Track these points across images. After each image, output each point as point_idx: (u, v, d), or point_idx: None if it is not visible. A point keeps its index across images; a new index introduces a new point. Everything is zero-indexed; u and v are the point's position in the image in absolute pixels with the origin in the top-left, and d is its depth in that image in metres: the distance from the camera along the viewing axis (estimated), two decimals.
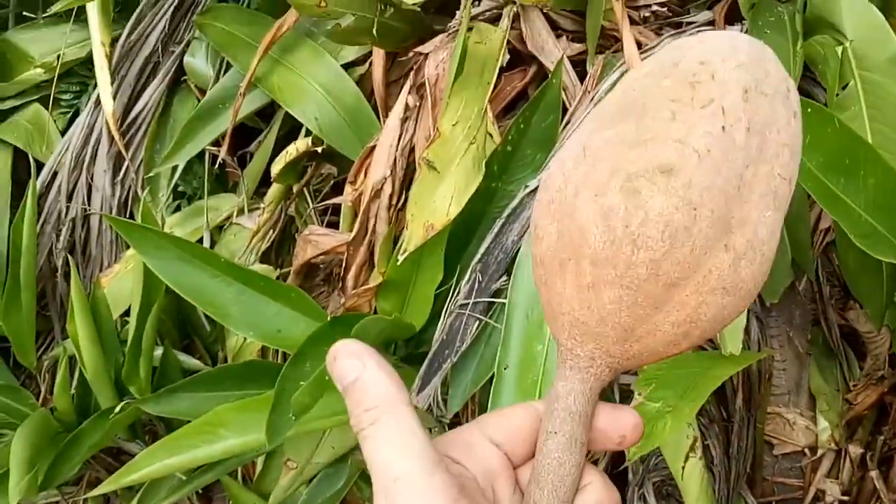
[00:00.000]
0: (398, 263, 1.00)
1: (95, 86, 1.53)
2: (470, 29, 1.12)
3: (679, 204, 0.37)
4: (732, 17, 1.17)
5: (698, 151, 0.38)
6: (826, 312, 1.28)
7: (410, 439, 0.39)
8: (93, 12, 1.46)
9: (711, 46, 0.41)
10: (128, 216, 1.58)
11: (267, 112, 1.47)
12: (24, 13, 1.66)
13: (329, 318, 1.11)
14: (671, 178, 0.37)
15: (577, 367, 0.41)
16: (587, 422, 0.42)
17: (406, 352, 1.21)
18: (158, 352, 1.40)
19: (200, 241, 1.51)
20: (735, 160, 0.38)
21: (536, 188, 1.09)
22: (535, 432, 0.43)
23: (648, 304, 0.39)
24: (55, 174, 1.59)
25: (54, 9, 1.27)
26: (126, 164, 1.53)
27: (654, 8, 1.18)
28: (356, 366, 0.40)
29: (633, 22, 1.17)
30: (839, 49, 1.00)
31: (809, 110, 0.92)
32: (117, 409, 1.30)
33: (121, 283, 1.48)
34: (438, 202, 0.99)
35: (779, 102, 0.40)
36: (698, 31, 1.16)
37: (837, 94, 1.01)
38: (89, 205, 1.57)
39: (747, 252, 0.39)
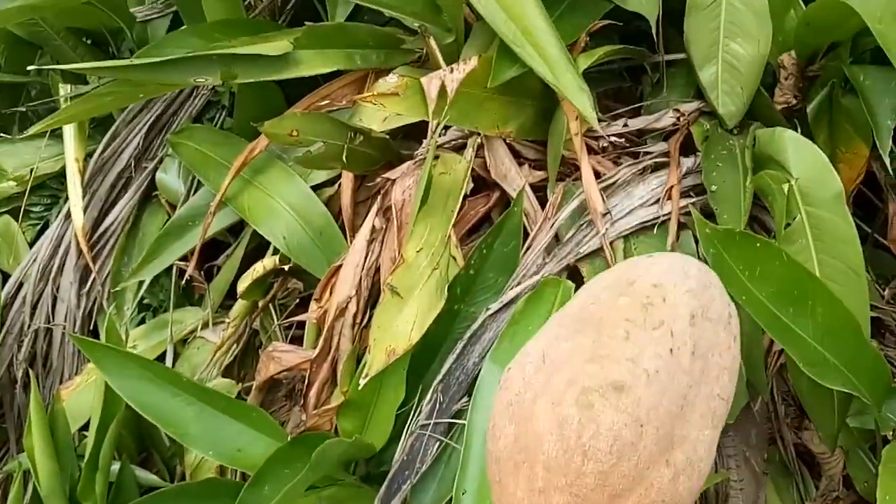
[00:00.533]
0: (360, 387, 1.01)
1: (67, 199, 1.55)
2: (436, 158, 1.16)
3: (628, 420, 0.40)
4: (687, 149, 1.22)
5: (648, 372, 0.41)
6: (781, 432, 1.30)
7: None
8: (68, 129, 1.49)
9: (664, 269, 0.45)
10: (92, 328, 1.58)
11: (236, 228, 1.49)
12: (0, 132, 1.69)
13: (289, 439, 1.11)
14: (622, 395, 0.41)
15: None
16: None
17: (366, 471, 1.20)
18: (115, 466, 1.38)
19: (164, 354, 1.51)
20: (680, 382, 0.42)
21: (498, 310, 1.11)
22: None
23: None
24: (21, 285, 1.59)
25: (31, 131, 1.29)
26: (93, 276, 1.54)
27: (612, 139, 1.23)
28: None
29: (592, 151, 1.22)
30: (785, 186, 1.05)
31: (759, 244, 0.96)
32: None
33: (81, 396, 1.46)
34: (401, 327, 1.00)
35: (721, 328, 0.44)
36: (654, 162, 1.21)
37: (786, 227, 1.05)
38: (53, 316, 1.57)
39: (686, 468, 0.42)
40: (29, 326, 1.57)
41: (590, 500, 0.41)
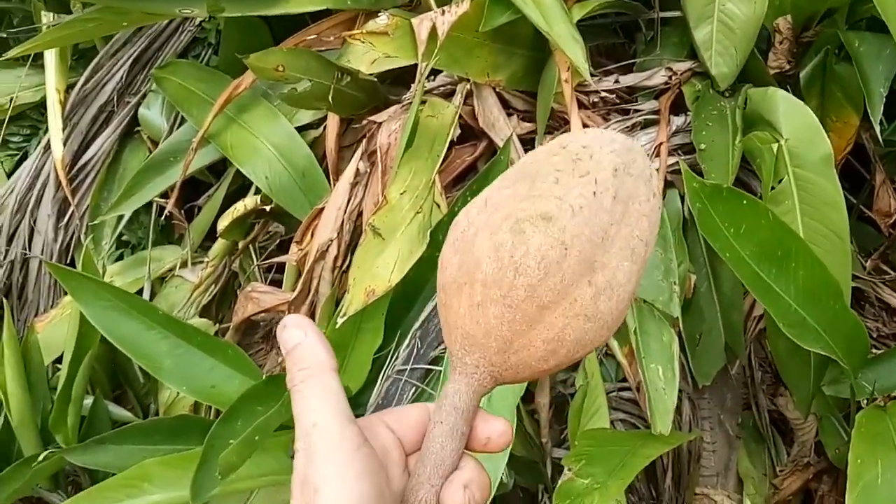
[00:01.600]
0: (337, 326, 1.00)
1: (46, 130, 1.53)
2: (423, 102, 1.14)
3: (554, 243, 0.47)
4: (677, 108, 1.22)
5: (573, 207, 0.47)
6: (757, 397, 1.31)
7: (331, 397, 0.47)
8: (50, 58, 1.46)
9: (593, 137, 0.52)
10: (69, 262, 1.56)
11: (218, 167, 1.47)
12: None
13: (264, 377, 1.10)
14: (550, 224, 0.47)
15: (465, 373, 0.49)
16: (468, 418, 0.49)
17: None
18: (88, 401, 1.37)
19: (141, 291, 1.50)
20: (602, 218, 0.48)
21: None
22: (425, 425, 0.50)
23: (524, 322, 0.48)
24: None
25: (11, 54, 1.26)
26: (71, 210, 1.52)
27: (603, 94, 1.22)
28: (299, 334, 0.49)
29: (582, 106, 1.21)
30: (775, 146, 1.04)
31: (745, 202, 0.96)
32: (41, 457, 1.26)
33: (55, 328, 1.45)
34: (381, 268, 0.99)
35: (642, 182, 0.50)
36: (643, 120, 1.20)
37: (772, 188, 1.05)
38: (30, 249, 1.55)
39: (606, 289, 0.48)
40: (5, 257, 1.55)
41: (520, 310, 0.47)
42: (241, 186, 1.44)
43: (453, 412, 0.49)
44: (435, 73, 1.23)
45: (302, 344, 0.48)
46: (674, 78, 1.24)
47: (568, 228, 0.47)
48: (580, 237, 0.47)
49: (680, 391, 1.12)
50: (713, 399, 1.30)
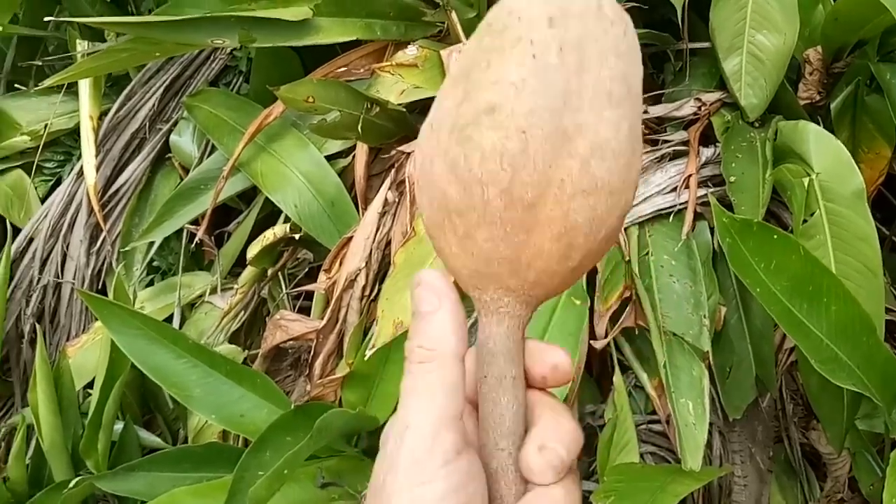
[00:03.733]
0: (365, 358, 1.00)
1: (80, 157, 1.55)
2: None
3: (507, 133, 0.40)
4: (707, 139, 1.21)
5: (514, 84, 0.40)
6: (788, 430, 1.29)
7: (441, 395, 0.41)
8: (84, 85, 1.49)
9: None
10: (100, 287, 1.58)
11: (248, 194, 1.48)
12: (16, 84, 1.68)
13: (293, 407, 1.10)
14: (494, 114, 0.40)
15: (489, 311, 0.43)
16: (513, 358, 0.43)
17: (368, 444, 1.20)
18: (119, 426, 1.38)
19: (171, 317, 1.51)
20: (553, 79, 0.41)
21: None
22: None
23: (519, 230, 0.42)
24: (31, 240, 1.59)
25: (47, 83, 1.29)
26: (103, 235, 1.54)
27: None
28: (434, 302, 0.42)
29: None
30: (805, 180, 1.03)
31: (776, 236, 0.95)
32: (72, 483, 1.27)
33: (87, 353, 1.46)
34: (409, 300, 0.99)
35: (590, 18, 0.42)
36: (673, 151, 1.20)
37: (804, 222, 1.04)
38: (62, 273, 1.57)
39: (594, 152, 0.41)
40: (38, 282, 1.57)
41: (507, 221, 0.41)
42: (271, 213, 1.45)
43: (492, 360, 0.43)
44: None
45: (433, 315, 0.42)
46: (703, 109, 1.24)
47: (517, 110, 0.40)
48: (535, 112, 0.40)
49: (710, 424, 1.11)
50: (744, 432, 1.28)
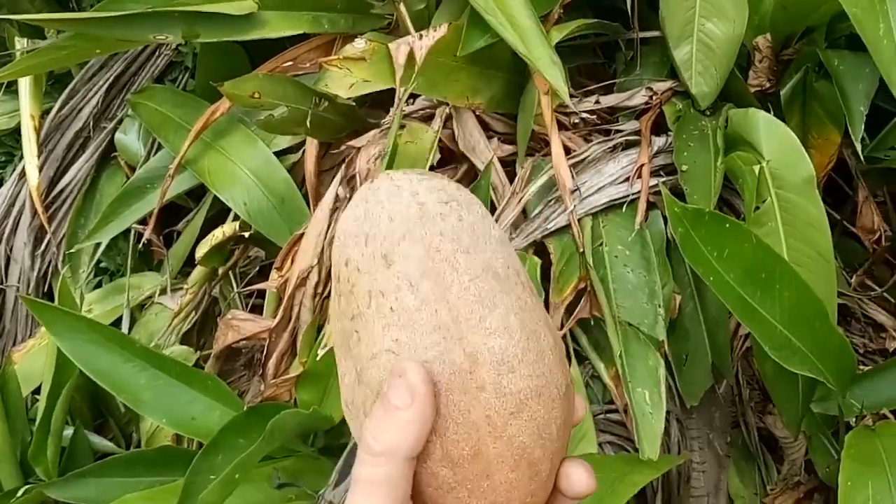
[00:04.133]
0: (318, 358, 0.98)
1: (22, 157, 1.51)
2: (402, 127, 1.13)
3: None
4: (659, 128, 1.21)
5: (391, 350, 0.41)
6: (745, 415, 1.30)
7: (383, 498, 0.41)
8: (24, 84, 1.45)
9: (337, 247, 0.44)
10: (46, 290, 1.54)
11: (197, 192, 1.45)
12: None
13: (245, 408, 1.08)
14: (364, 387, 0.42)
15: None
16: None
17: (325, 442, 1.18)
18: (69, 432, 1.35)
19: (120, 319, 1.47)
20: (423, 321, 0.40)
21: None
22: None
23: (480, 481, 0.41)
24: None
25: None
26: (48, 237, 1.50)
27: (584, 115, 1.21)
28: (406, 400, 0.40)
29: (562, 127, 1.20)
30: (756, 168, 1.03)
31: (728, 225, 0.95)
32: (20, 492, 1.24)
33: (34, 359, 1.43)
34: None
35: (417, 227, 0.41)
36: (625, 140, 1.19)
37: (756, 209, 1.04)
38: (6, 277, 1.53)
39: (499, 370, 0.40)
40: None
41: (465, 482, 0.41)
42: (221, 211, 1.43)
43: None
44: (413, 96, 1.21)
45: (399, 413, 0.41)
46: (654, 98, 1.24)
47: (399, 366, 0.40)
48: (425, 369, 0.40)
49: (668, 412, 1.11)
50: (701, 419, 1.28)
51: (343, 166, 1.18)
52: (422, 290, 0.40)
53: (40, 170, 1.48)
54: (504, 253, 0.42)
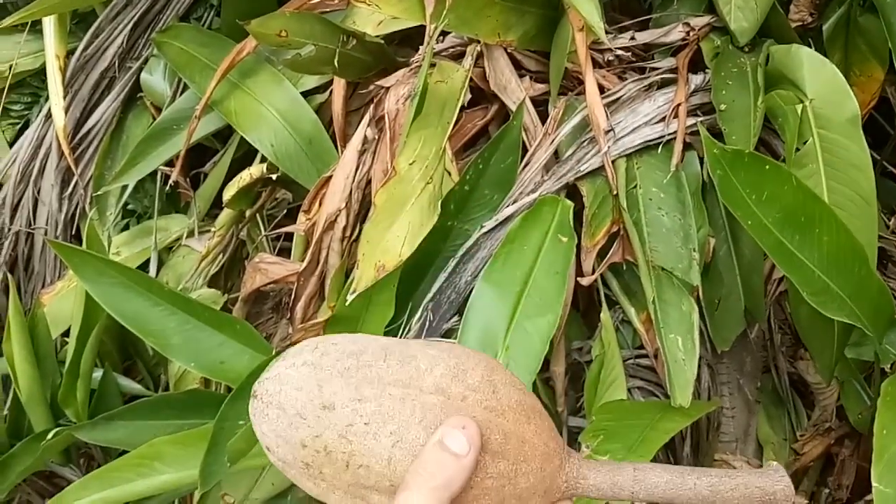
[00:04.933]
0: (347, 304, 0.97)
1: (47, 98, 1.49)
2: (433, 66, 1.10)
3: None
4: (696, 66, 1.17)
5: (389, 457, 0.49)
6: (777, 361, 1.28)
7: None
8: (49, 24, 1.43)
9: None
10: (74, 232, 1.54)
11: (224, 133, 1.44)
12: None
13: (273, 352, 1.08)
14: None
15: None
16: None
17: None
18: (98, 374, 1.36)
19: (148, 261, 1.47)
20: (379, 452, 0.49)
21: (492, 228, 1.08)
22: None
23: None
24: (0, 186, 1.54)
25: (6, 22, 1.23)
26: (75, 179, 1.50)
27: (619, 52, 1.18)
28: (464, 448, 0.48)
29: (596, 65, 1.17)
30: (799, 107, 1.00)
31: (768, 167, 0.92)
32: (50, 434, 1.25)
33: (62, 301, 1.43)
34: (391, 242, 0.97)
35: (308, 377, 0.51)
36: (660, 79, 1.16)
37: (797, 150, 1.01)
38: (35, 219, 1.53)
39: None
40: (9, 229, 1.53)
41: None
42: (248, 152, 1.41)
43: None
44: (443, 34, 1.18)
45: (457, 460, 0.47)
46: (691, 34, 1.19)
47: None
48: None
49: (699, 358, 1.10)
50: (732, 364, 1.27)
51: (371, 107, 1.15)
52: (365, 394, 0.48)
53: (66, 111, 1.46)
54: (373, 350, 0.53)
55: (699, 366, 1.20)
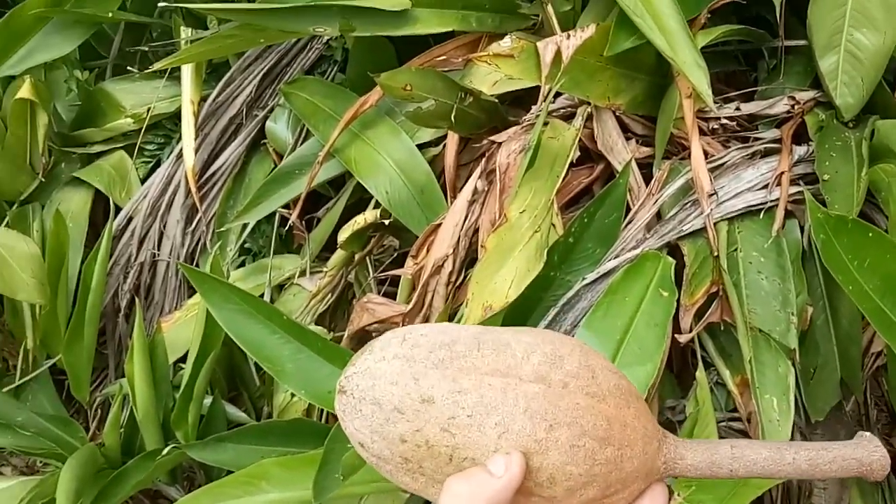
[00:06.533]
0: None
1: (179, 139, 1.60)
2: (546, 123, 1.16)
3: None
4: (799, 138, 1.20)
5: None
6: None
7: None
8: (186, 71, 1.54)
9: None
10: (194, 266, 1.63)
11: (337, 182, 1.52)
12: (122, 65, 1.75)
13: None
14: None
15: None
16: None
17: None
18: (208, 400, 1.44)
19: (261, 297, 1.55)
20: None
21: (594, 280, 1.12)
22: None
23: None
24: (130, 219, 1.65)
25: (155, 67, 1.34)
26: (199, 216, 1.60)
27: (724, 121, 1.22)
28: (500, 470, 0.48)
29: (702, 132, 1.21)
30: None
31: (871, 234, 0.94)
32: (164, 451, 1.33)
33: (179, 330, 1.52)
34: (499, 284, 1.02)
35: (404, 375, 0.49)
36: (764, 148, 1.19)
37: None
38: (159, 251, 1.63)
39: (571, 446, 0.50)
40: (135, 259, 1.64)
41: None
42: (359, 200, 1.49)
43: None
44: (556, 94, 1.25)
45: (492, 480, 0.47)
46: (796, 107, 1.23)
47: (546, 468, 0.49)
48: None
49: (793, 425, 1.10)
50: (826, 435, 1.27)
51: (483, 160, 1.22)
52: (465, 385, 0.48)
53: (196, 152, 1.57)
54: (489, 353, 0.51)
55: (792, 432, 1.20)
